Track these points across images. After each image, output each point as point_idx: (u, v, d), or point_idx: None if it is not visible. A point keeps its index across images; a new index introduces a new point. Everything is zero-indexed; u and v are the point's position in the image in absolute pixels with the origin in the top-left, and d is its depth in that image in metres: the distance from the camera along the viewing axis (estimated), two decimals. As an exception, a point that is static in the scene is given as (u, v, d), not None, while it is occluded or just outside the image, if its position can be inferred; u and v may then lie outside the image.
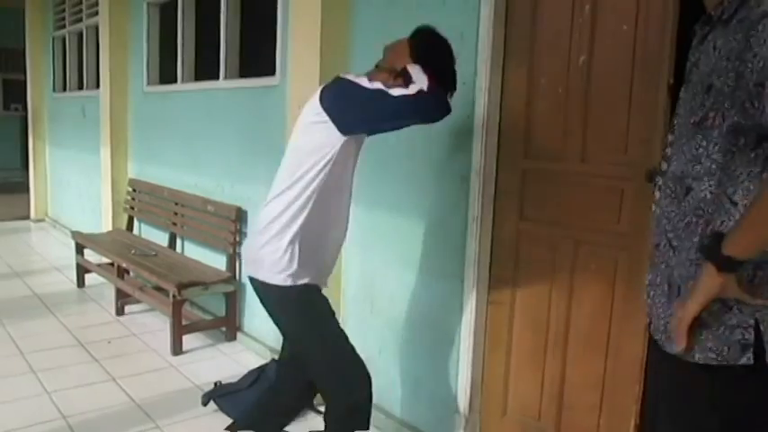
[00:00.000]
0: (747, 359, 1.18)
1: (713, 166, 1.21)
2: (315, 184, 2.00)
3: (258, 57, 3.88)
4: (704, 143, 1.22)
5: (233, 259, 4.00)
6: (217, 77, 4.24)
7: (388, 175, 2.89)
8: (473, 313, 2.56)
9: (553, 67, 2.33)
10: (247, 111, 3.95)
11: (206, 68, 4.53)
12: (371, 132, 2.21)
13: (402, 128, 2.26)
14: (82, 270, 5.13)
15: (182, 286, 3.73)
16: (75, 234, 5.21)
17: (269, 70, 3.65)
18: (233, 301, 4.00)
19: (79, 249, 5.10)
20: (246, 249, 2.19)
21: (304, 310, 2.13)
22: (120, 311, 4.50)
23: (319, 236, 2.11)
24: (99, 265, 4.88)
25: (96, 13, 5.99)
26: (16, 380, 3.38)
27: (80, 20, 6.70)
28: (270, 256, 2.05)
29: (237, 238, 3.99)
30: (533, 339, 2.46)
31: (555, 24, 2.32)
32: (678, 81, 2.00)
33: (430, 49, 2.09)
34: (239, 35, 4.20)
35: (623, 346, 2.19)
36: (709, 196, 1.22)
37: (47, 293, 4.97)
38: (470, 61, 2.48)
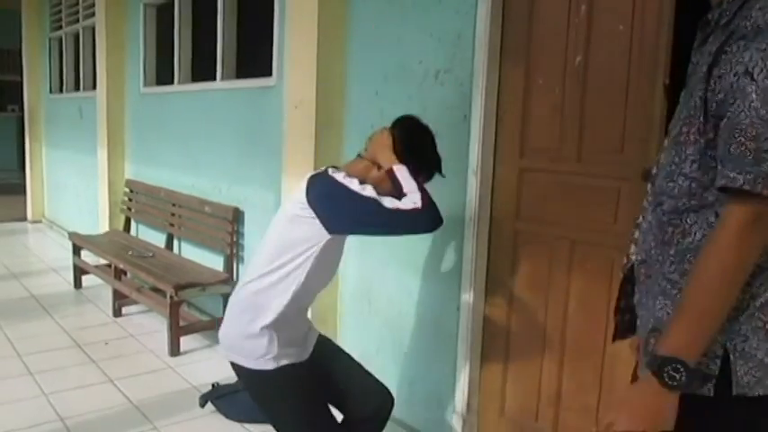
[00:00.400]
0: (708, 390, 1.12)
1: (693, 185, 1.14)
2: (296, 275, 1.94)
3: (255, 58, 3.88)
4: (677, 160, 1.16)
5: (230, 260, 4.00)
6: (214, 78, 4.24)
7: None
8: (470, 313, 2.56)
9: (550, 66, 2.34)
10: (244, 112, 3.95)
11: (203, 69, 4.53)
12: (355, 234, 2.15)
13: (387, 236, 2.28)
14: (79, 271, 5.13)
15: (179, 287, 3.73)
16: (72, 235, 5.20)
17: (266, 71, 3.65)
18: (230, 301, 3.99)
19: (76, 250, 5.09)
20: (224, 335, 2.08)
21: (289, 393, 2.04)
22: (117, 313, 4.49)
23: (300, 315, 2.07)
24: (96, 267, 4.88)
25: (93, 15, 5.99)
26: (13, 382, 3.38)
27: (77, 21, 6.69)
28: (248, 342, 1.97)
29: (235, 239, 3.99)
30: (531, 340, 2.46)
31: (551, 24, 2.32)
32: (674, 81, 2.03)
33: (413, 143, 2.05)
34: (236, 36, 4.20)
35: (620, 347, 2.18)
36: (684, 209, 1.15)
37: (44, 295, 4.96)
38: (467, 61, 2.48)
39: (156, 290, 4.11)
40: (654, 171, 1.30)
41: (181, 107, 4.75)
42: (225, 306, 3.94)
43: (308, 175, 2.02)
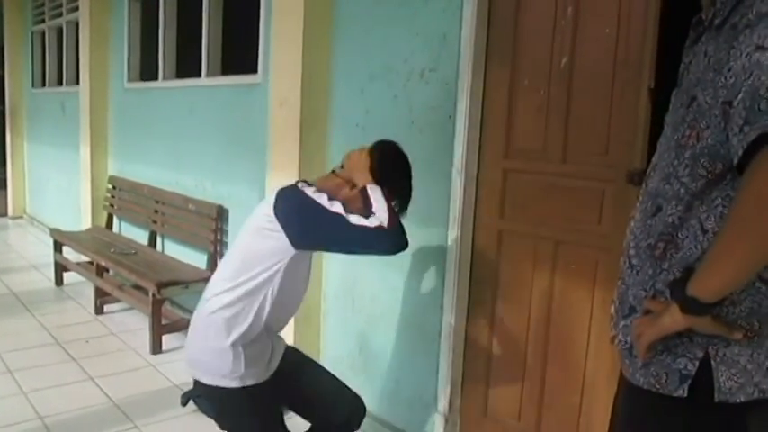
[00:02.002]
0: (683, 391, 1.12)
1: (682, 190, 1.12)
2: (260, 292, 1.92)
3: (240, 54, 3.86)
4: (676, 162, 1.14)
5: (214, 258, 3.97)
6: (199, 75, 4.21)
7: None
8: (454, 313, 2.56)
9: (535, 68, 2.34)
10: (229, 109, 3.93)
11: (188, 65, 4.50)
12: (320, 251, 2.15)
13: (352, 254, 2.24)
14: (60, 268, 5.08)
15: (161, 285, 3.70)
16: (53, 232, 5.15)
17: (251, 68, 3.63)
18: (213, 300, 3.96)
19: (58, 247, 5.04)
20: (188, 351, 2.04)
21: (253, 411, 2.01)
22: (98, 310, 4.45)
23: (268, 331, 2.03)
24: (78, 264, 4.83)
25: (76, 9, 5.93)
26: (-9, 379, 3.34)
27: (60, 15, 6.61)
28: (214, 359, 1.94)
29: (219, 237, 3.96)
30: (514, 339, 2.47)
31: (537, 26, 2.33)
32: (659, 85, 2.04)
33: (389, 165, 2.04)
34: (221, 32, 4.17)
35: (603, 347, 2.20)
36: (676, 221, 1.14)
37: (24, 292, 4.90)
38: (453, 61, 2.48)
39: (138, 287, 4.08)
40: (649, 172, 1.28)
41: (165, 103, 4.71)
42: (208, 304, 3.95)
43: (278, 189, 2.00)
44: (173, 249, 4.58)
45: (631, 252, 1.24)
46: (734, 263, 1.01)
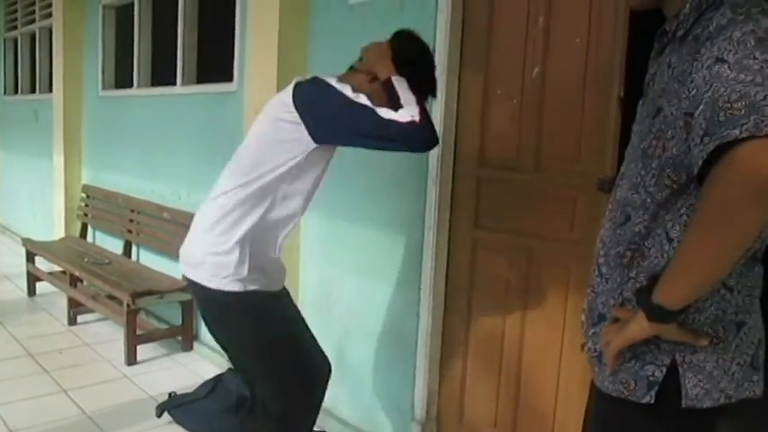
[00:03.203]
0: (650, 398, 1.13)
1: (648, 200, 1.14)
2: (275, 189, 1.82)
3: (216, 63, 3.84)
4: (643, 172, 1.16)
5: (189, 267, 3.94)
6: (174, 83, 4.19)
7: (346, 183, 2.88)
8: (430, 321, 2.57)
9: (508, 77, 2.37)
10: (205, 117, 3.91)
11: (163, 73, 4.47)
12: (344, 145, 1.97)
13: (378, 150, 1.97)
14: (33, 278, 4.99)
15: (136, 295, 3.66)
16: (25, 241, 5.06)
17: (227, 77, 3.62)
18: (189, 309, 3.93)
19: (30, 257, 4.95)
20: (187, 253, 1.92)
21: (252, 321, 1.92)
22: (72, 321, 4.38)
23: (272, 241, 1.93)
24: (51, 274, 4.76)
25: (50, 15, 5.85)
26: (-39, 393, 3.27)
27: (33, 21, 6.53)
28: (216, 257, 1.83)
29: (194, 246, 3.93)
30: (489, 346, 2.49)
31: (510, 36, 2.36)
32: (628, 94, 2.07)
33: (412, 54, 1.95)
34: (197, 41, 4.16)
35: (576, 354, 2.22)
36: (643, 231, 1.15)
37: (-5, 303, 4.81)
38: (427, 71, 2.49)
39: (112, 298, 4.02)
40: (618, 181, 1.29)
41: (140, 111, 4.68)
42: (184, 314, 3.92)
43: (296, 79, 1.87)
44: (148, 259, 4.53)
45: (601, 260, 1.25)
46: (697, 271, 1.03)
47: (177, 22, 4.11)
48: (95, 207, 5.17)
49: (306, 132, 1.77)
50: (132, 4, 4.67)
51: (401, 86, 1.85)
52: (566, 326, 2.26)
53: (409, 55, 1.94)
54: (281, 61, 2.99)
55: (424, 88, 1.95)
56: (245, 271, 1.84)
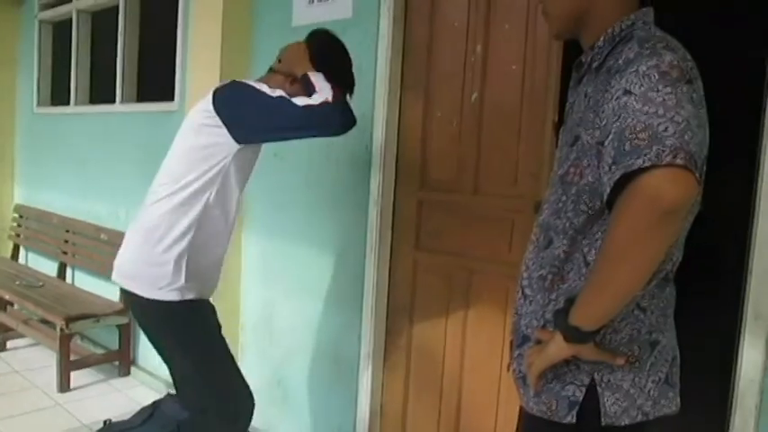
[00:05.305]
0: (572, 417, 1.17)
1: (567, 225, 1.18)
2: (205, 194, 1.84)
3: (157, 81, 3.78)
4: (564, 198, 1.20)
5: (127, 290, 3.83)
6: (113, 101, 4.10)
7: (288, 204, 2.88)
8: (371, 342, 2.57)
9: (448, 101, 2.41)
10: (145, 136, 3.83)
11: (102, 91, 4.37)
12: (267, 141, 2.06)
13: (301, 138, 2.04)
14: (-41, 302, 4.76)
15: (70, 319, 3.53)
16: (-48, 263, 4.84)
17: (168, 96, 3.57)
18: (127, 333, 3.82)
19: (-44, 280, 4.73)
20: (122, 262, 1.93)
21: (190, 329, 1.94)
22: (1, 347, 4.20)
23: (207, 247, 1.94)
24: (-22, 297, 4.54)
25: (-18, 29, 5.65)
26: None
27: (-36, 35, 6.29)
28: (152, 268, 1.85)
29: (132, 268, 3.83)
30: (430, 367, 2.50)
31: (449, 61, 2.41)
32: (562, 119, 2.14)
33: (329, 52, 2.01)
34: (137, 59, 4.09)
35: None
36: (562, 255, 1.19)
37: None
38: (368, 94, 2.52)
39: (45, 322, 3.87)
40: (542, 206, 1.33)
41: (78, 129, 4.55)
42: (121, 338, 3.81)
43: (215, 86, 1.91)
44: (84, 281, 4.39)
45: (524, 282, 1.29)
46: (608, 293, 1.07)
47: (117, 39, 4.04)
48: (28, 227, 4.98)
49: (228, 134, 1.81)
50: (71, 20, 4.56)
51: (317, 78, 1.91)
52: (504, 346, 2.29)
53: (325, 53, 2.00)
54: (223, 81, 2.96)
55: (341, 83, 1.99)
56: (181, 279, 1.85)
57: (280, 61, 2.03)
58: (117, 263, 1.96)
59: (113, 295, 3.96)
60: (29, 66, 5.07)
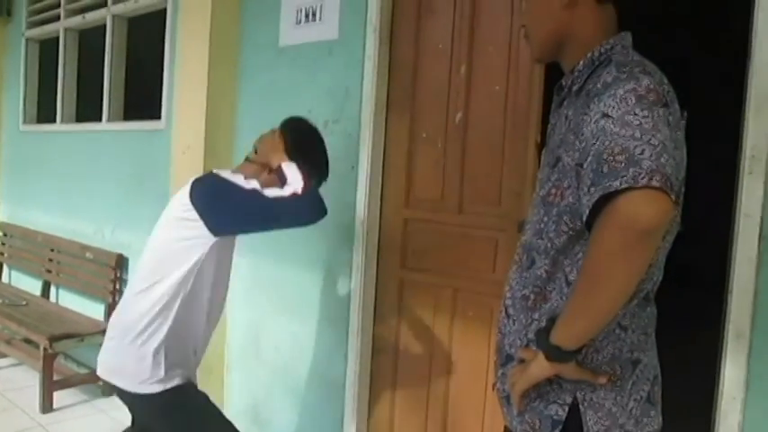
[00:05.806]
0: None
1: (549, 245, 1.20)
2: (182, 287, 1.86)
3: (144, 100, 3.79)
4: (546, 219, 1.22)
5: (112, 309, 3.79)
6: (99, 119, 4.09)
7: (275, 223, 2.88)
8: (358, 361, 2.57)
9: (433, 122, 2.44)
10: (131, 154, 3.83)
11: (88, 109, 4.37)
12: (242, 233, 2.09)
13: (275, 230, 2.16)
14: (-60, 322, 4.70)
15: (54, 338, 3.50)
16: (-67, 282, 4.78)
17: (155, 114, 3.58)
18: (111, 352, 3.78)
19: (-62, 299, 4.67)
20: (105, 358, 1.96)
21: (179, 415, 1.95)
22: (-17, 367, 4.15)
23: (189, 335, 1.96)
24: (-40, 317, 4.49)
25: (-33, 46, 5.64)
26: None
27: (-51, 52, 6.27)
28: (133, 364, 1.87)
29: (117, 287, 3.81)
30: (417, 386, 2.50)
31: (434, 82, 2.44)
32: (545, 139, 2.17)
33: (303, 141, 2.07)
34: (124, 77, 4.09)
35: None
36: (545, 275, 1.21)
37: None
38: (355, 113, 2.55)
39: (28, 341, 3.83)
40: (525, 226, 1.34)
41: (64, 147, 4.53)
42: (104, 358, 3.76)
43: (193, 178, 1.95)
44: (68, 300, 4.35)
45: (508, 302, 1.30)
46: (588, 313, 1.09)
47: (104, 57, 4.04)
48: (12, 246, 4.94)
49: (204, 227, 1.84)
50: (57, 38, 4.57)
51: (290, 169, 1.96)
52: (489, 365, 2.30)
53: (299, 142, 2.05)
54: (210, 100, 2.98)
55: (315, 172, 2.05)
56: (161, 372, 1.87)
57: (256, 152, 2.09)
58: (100, 358, 1.99)
59: (98, 314, 3.94)
60: (15, 83, 5.06)
